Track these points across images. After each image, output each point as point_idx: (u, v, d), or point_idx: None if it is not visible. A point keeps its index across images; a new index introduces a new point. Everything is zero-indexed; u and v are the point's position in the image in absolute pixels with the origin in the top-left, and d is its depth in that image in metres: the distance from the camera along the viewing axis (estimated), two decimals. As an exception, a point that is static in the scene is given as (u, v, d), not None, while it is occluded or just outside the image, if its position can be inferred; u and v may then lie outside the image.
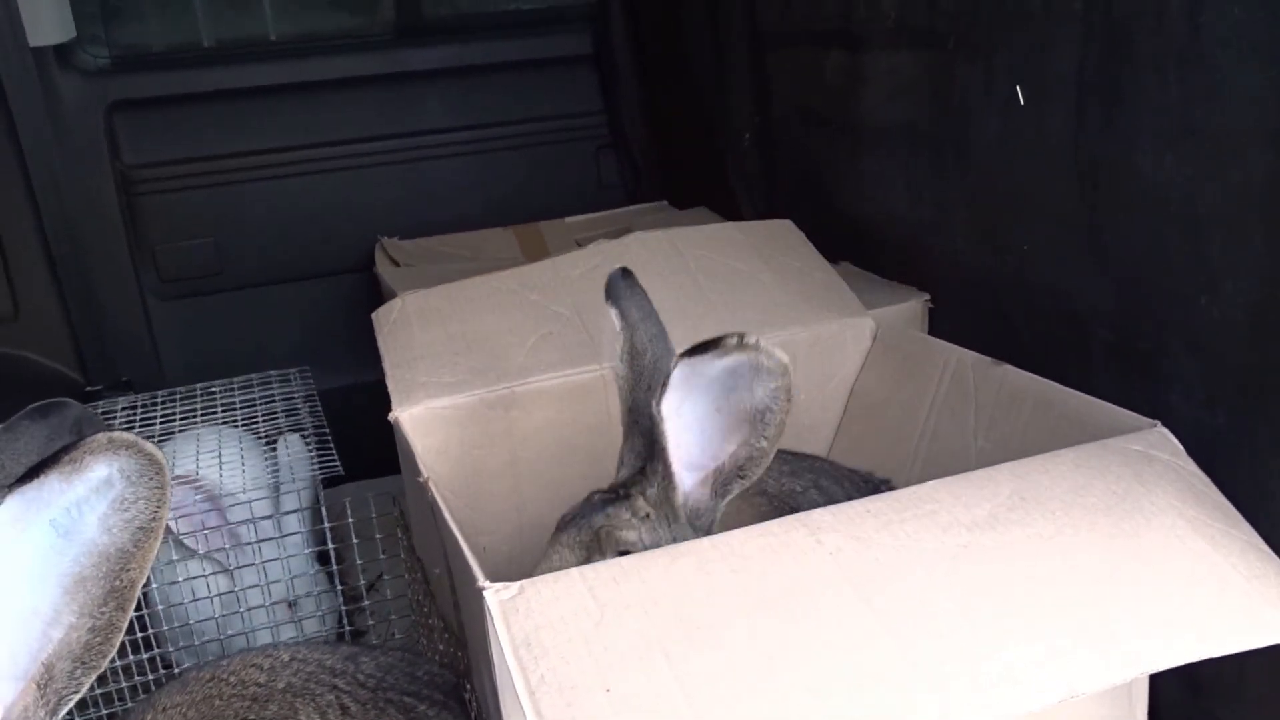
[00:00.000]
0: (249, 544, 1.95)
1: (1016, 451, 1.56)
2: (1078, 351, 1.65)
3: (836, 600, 1.10)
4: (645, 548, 1.32)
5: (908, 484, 1.76)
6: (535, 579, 1.13)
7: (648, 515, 1.35)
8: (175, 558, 1.98)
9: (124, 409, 2.52)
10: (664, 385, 1.24)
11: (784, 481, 1.63)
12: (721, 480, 1.31)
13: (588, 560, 1.32)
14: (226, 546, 1.97)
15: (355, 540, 1.96)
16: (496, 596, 1.10)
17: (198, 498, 2.00)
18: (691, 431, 1.29)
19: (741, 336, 1.20)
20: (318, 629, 2.06)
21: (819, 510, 1.23)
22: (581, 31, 3.25)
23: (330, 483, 2.09)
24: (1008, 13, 1.54)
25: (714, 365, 1.23)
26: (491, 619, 1.08)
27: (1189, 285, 1.36)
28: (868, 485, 1.72)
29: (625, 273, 1.47)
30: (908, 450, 1.79)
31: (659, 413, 1.26)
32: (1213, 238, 1.30)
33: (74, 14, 2.91)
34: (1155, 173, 1.35)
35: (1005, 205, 1.68)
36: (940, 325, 2.04)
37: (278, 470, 2.17)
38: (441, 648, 1.69)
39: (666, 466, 1.31)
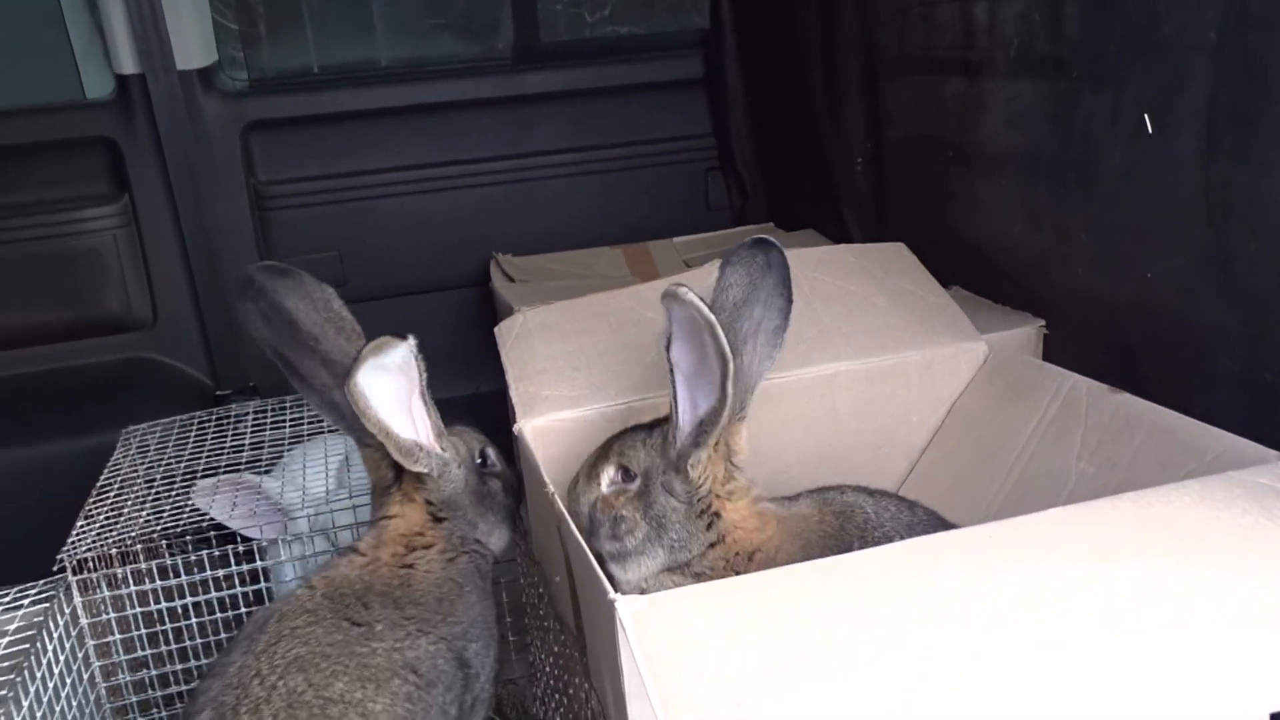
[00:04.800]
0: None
1: (1122, 478, 1.56)
2: (1201, 382, 1.63)
3: (958, 628, 1.11)
4: (640, 470, 1.57)
5: (996, 500, 1.79)
6: (665, 594, 1.17)
7: (653, 446, 1.56)
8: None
9: (255, 413, 2.67)
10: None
11: (885, 521, 1.59)
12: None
13: (592, 470, 1.63)
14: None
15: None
16: (629, 608, 1.14)
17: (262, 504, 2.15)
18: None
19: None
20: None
21: (940, 535, 1.25)
22: (693, 56, 3.32)
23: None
24: (1136, 42, 1.54)
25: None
26: (623, 630, 1.12)
27: (1322, 318, 1.34)
28: None
29: None
30: (1003, 468, 1.78)
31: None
32: (1349, 271, 1.29)
33: (216, 40, 3.08)
34: (1289, 204, 1.34)
35: (1129, 233, 1.67)
36: (1055, 352, 2.03)
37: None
38: (558, 649, 1.74)
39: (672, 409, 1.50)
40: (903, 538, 1.54)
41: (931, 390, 1.99)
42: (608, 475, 1.61)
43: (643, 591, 1.56)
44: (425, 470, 1.66)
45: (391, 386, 1.57)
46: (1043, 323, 2.05)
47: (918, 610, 1.14)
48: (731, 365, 1.40)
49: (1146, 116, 1.53)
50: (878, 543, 1.55)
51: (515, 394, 1.90)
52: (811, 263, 2.14)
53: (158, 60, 2.87)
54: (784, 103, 2.96)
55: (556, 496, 1.52)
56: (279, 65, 3.36)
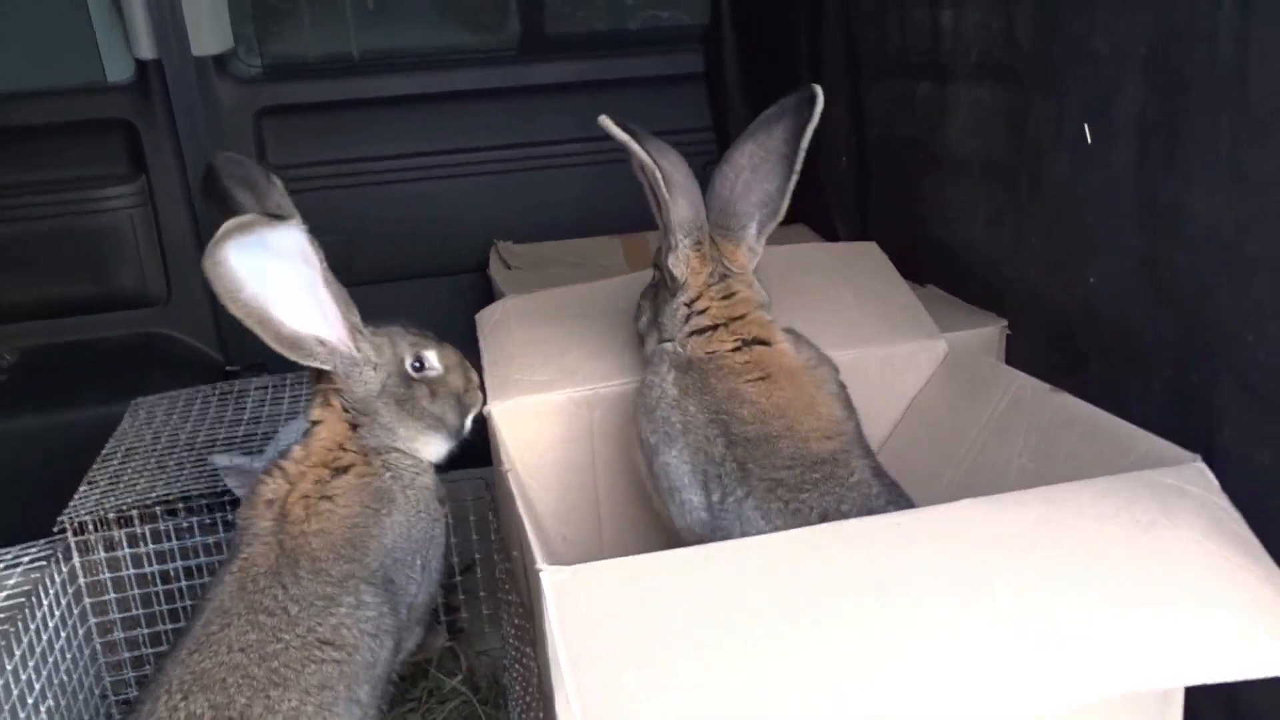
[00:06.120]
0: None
1: (1057, 474, 1.61)
2: (1140, 385, 1.69)
3: (856, 606, 1.19)
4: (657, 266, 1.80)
5: (944, 494, 1.85)
6: (589, 565, 1.26)
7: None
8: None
9: (257, 389, 2.78)
10: None
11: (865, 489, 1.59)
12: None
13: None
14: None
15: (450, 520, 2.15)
16: (552, 578, 1.23)
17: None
18: None
19: None
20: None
21: (854, 520, 1.33)
22: (694, 51, 3.39)
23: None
24: (1076, 54, 1.59)
25: None
26: (545, 598, 1.21)
27: (1238, 324, 1.40)
28: None
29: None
30: (952, 461, 1.85)
31: None
32: (1260, 279, 1.34)
33: (232, 26, 3.20)
34: (1208, 213, 1.40)
35: (1073, 238, 1.73)
36: (1015, 352, 2.08)
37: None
38: (518, 621, 1.84)
39: None
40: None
41: (891, 386, 2.05)
42: (652, 273, 1.87)
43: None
44: (322, 366, 1.65)
45: (288, 272, 1.55)
46: (1005, 323, 2.11)
47: (821, 591, 1.21)
48: (660, 173, 1.62)
49: (1086, 126, 1.58)
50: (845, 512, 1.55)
51: (488, 377, 1.99)
52: (783, 260, 2.21)
53: (174, 46, 2.99)
54: (778, 98, 3.02)
55: (511, 475, 1.62)
56: (292, 52, 3.47)
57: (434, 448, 1.82)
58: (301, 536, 1.58)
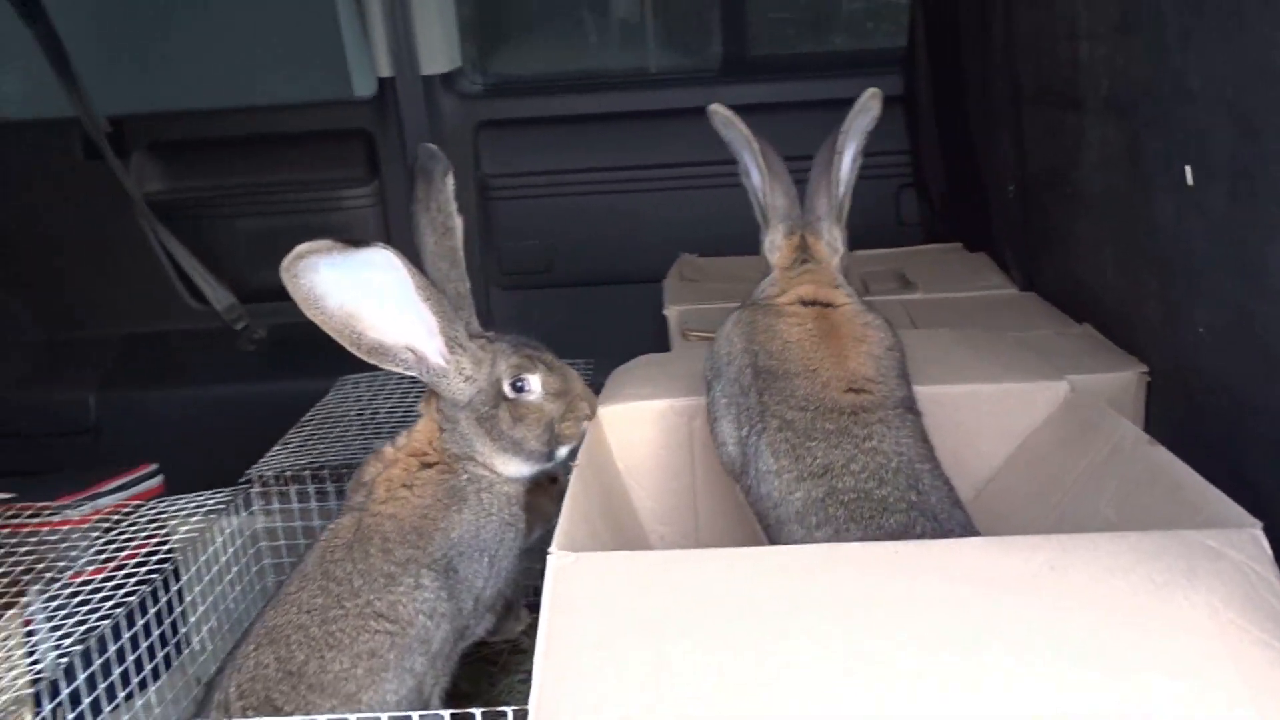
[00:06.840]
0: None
1: (1134, 528, 1.54)
2: (1248, 446, 1.58)
3: (819, 627, 1.21)
4: None
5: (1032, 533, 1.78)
6: (593, 554, 1.37)
7: None
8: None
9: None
10: None
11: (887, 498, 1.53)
12: None
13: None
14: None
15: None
16: (557, 562, 1.35)
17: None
18: None
19: None
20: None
21: (855, 544, 1.35)
22: (892, 74, 3.37)
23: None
24: (1176, 91, 1.51)
25: None
26: (546, 580, 1.33)
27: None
28: None
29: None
30: (1046, 505, 1.78)
31: None
32: (1333, 342, 1.24)
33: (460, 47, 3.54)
34: (1288, 268, 1.31)
35: (1183, 284, 1.63)
36: (1155, 400, 1.97)
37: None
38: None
39: None
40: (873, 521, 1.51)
41: (1002, 424, 1.98)
42: None
43: None
44: (408, 372, 1.68)
45: (381, 282, 1.58)
46: (1145, 369, 1.99)
47: (792, 602, 1.25)
48: (756, 143, 1.81)
49: (1187, 168, 1.50)
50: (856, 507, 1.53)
51: (609, 381, 2.14)
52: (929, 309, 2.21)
53: (406, 66, 3.35)
54: (965, 126, 2.96)
55: (575, 471, 1.74)
56: (511, 72, 3.77)
57: (513, 467, 1.80)
58: (378, 517, 1.71)
